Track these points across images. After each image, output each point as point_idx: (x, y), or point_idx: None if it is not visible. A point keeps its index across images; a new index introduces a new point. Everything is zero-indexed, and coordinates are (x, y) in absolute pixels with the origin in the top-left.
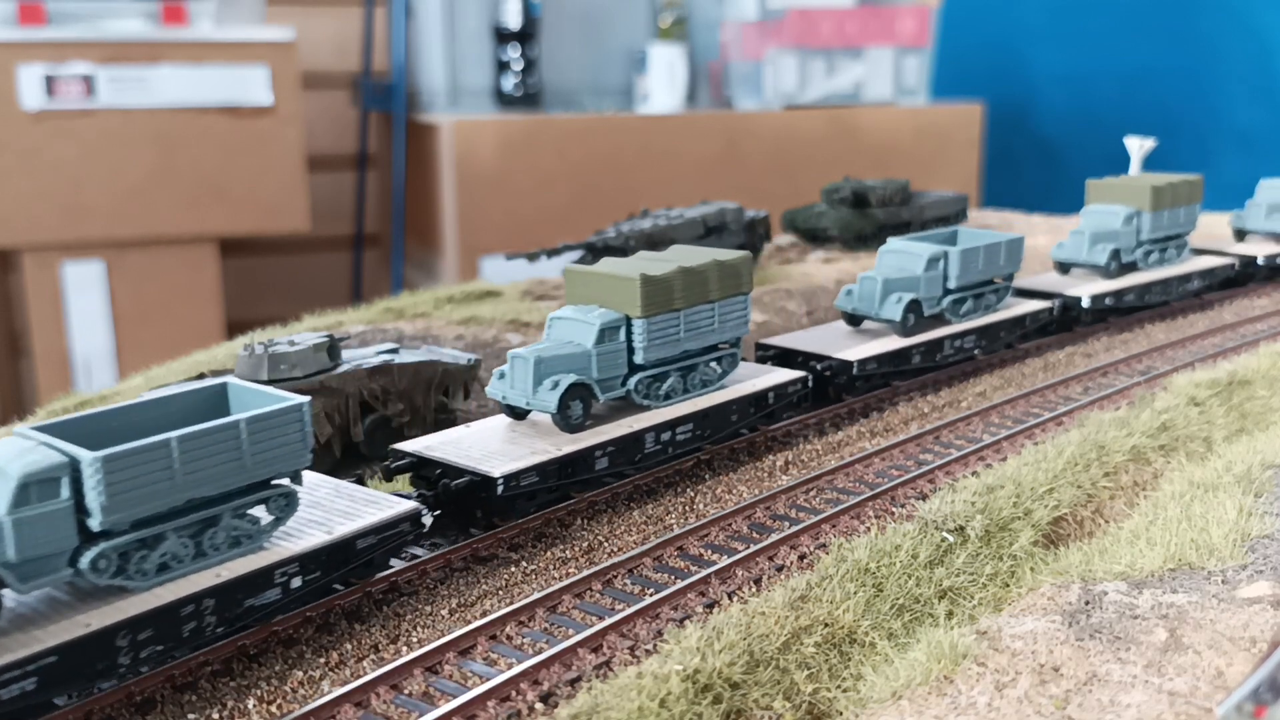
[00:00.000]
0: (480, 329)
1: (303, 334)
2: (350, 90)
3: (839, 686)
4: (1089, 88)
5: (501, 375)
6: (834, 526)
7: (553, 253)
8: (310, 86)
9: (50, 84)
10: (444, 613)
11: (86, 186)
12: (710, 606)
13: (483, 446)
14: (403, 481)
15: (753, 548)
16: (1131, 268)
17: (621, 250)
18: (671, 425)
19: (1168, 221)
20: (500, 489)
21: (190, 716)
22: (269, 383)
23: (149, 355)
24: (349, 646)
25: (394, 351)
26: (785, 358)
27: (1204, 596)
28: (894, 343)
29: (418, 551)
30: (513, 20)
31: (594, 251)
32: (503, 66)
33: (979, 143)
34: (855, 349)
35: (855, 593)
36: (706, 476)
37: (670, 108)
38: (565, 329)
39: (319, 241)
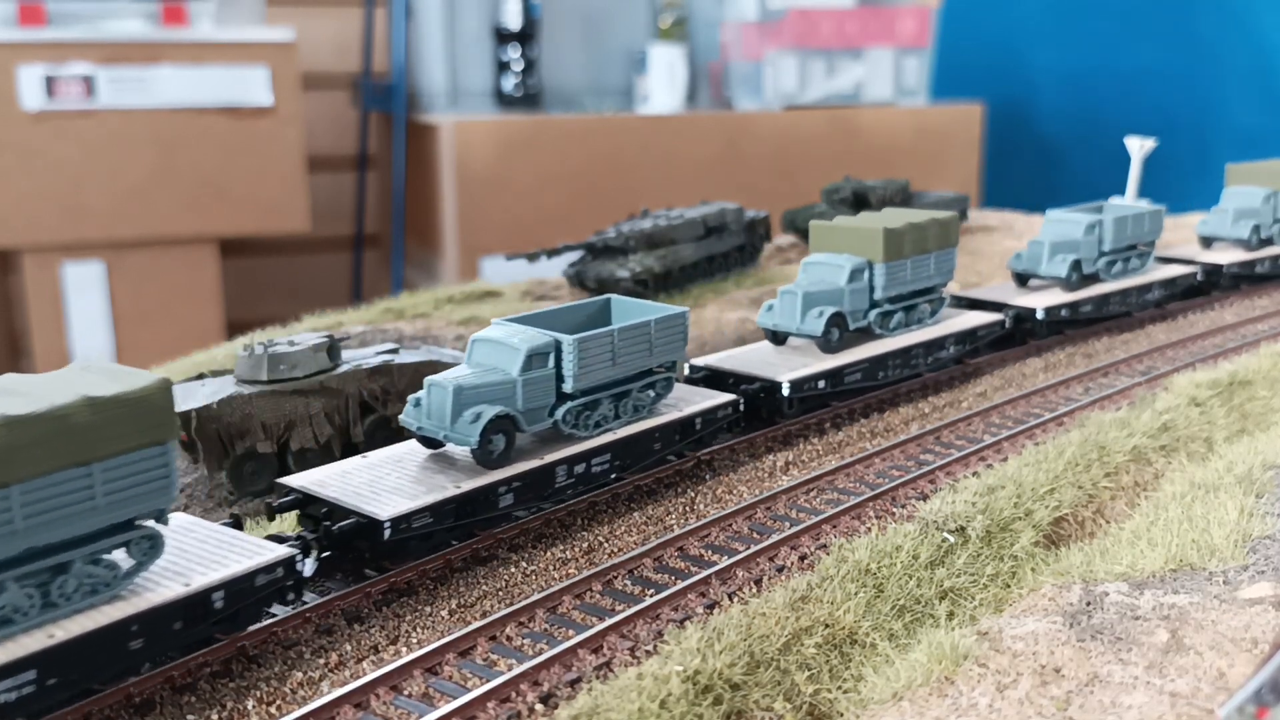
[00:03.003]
0: (480, 329)
1: (303, 334)
2: (350, 91)
3: (840, 687)
4: (1089, 88)
5: None
6: (835, 527)
7: (553, 253)
8: (310, 87)
9: (50, 84)
10: (444, 613)
11: (86, 187)
12: (711, 607)
13: None
14: None
15: (753, 548)
16: (864, 334)
17: (622, 250)
18: None
19: (911, 274)
20: None
21: (189, 717)
22: (268, 383)
23: (149, 355)
24: (349, 647)
25: (394, 352)
26: (323, 507)
27: (1205, 597)
28: (478, 477)
29: None
30: (513, 21)
31: (594, 252)
32: (503, 67)
33: (979, 143)
34: (402, 497)
35: (856, 593)
36: (707, 477)
37: (670, 108)
38: None
39: (319, 242)
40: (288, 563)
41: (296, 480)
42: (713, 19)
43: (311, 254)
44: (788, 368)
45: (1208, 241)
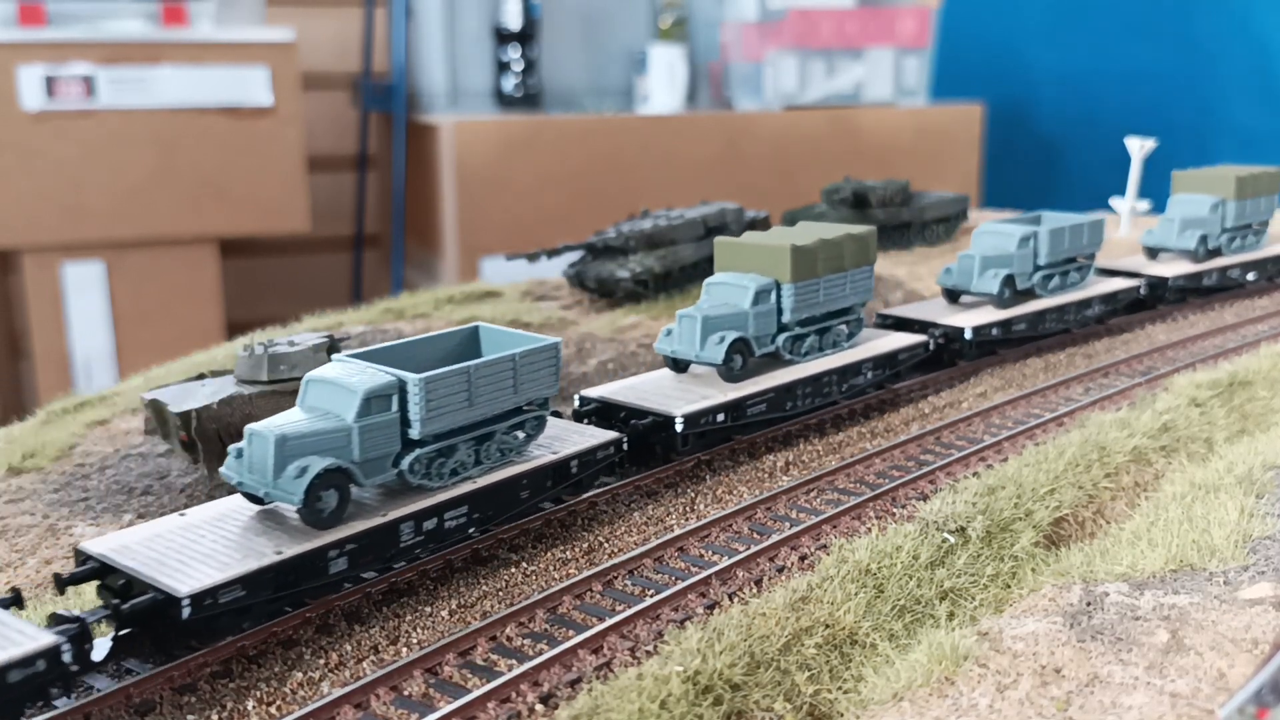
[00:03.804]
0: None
1: (303, 334)
2: (350, 91)
3: (840, 688)
4: (1089, 88)
5: None
6: (835, 527)
7: (553, 253)
8: (310, 87)
9: (50, 84)
10: (444, 614)
11: (86, 187)
12: (711, 607)
13: None
14: None
15: (753, 548)
16: (773, 361)
17: (622, 250)
18: None
19: (824, 295)
20: None
21: (190, 718)
22: (269, 383)
23: (149, 356)
24: (349, 647)
25: None
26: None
27: (1206, 598)
28: (305, 540)
29: None
30: (513, 21)
31: (594, 252)
32: (503, 67)
33: (979, 143)
34: (211, 567)
35: (856, 594)
36: (707, 477)
37: (670, 108)
38: None
39: (319, 242)
40: (51, 654)
41: (95, 546)
42: (713, 19)
43: (311, 254)
44: (684, 400)
45: (1153, 252)
